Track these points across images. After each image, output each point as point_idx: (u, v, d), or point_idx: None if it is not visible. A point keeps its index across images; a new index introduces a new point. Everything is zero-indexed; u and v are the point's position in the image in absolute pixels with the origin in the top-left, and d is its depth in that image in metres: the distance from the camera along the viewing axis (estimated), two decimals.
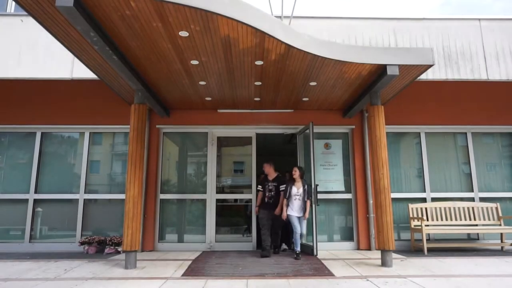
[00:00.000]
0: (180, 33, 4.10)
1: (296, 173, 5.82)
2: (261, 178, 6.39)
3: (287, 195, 5.76)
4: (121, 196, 6.76)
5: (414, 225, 6.47)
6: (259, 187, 6.28)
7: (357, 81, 5.49)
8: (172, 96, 6.28)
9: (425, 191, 7.02)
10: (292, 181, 5.83)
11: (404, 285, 3.88)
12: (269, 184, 6.13)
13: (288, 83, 5.68)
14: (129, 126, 5.33)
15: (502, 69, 6.41)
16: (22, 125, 7.01)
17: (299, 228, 5.66)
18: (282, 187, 6.00)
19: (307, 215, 5.70)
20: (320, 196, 6.53)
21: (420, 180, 7.10)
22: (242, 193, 7.04)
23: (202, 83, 5.66)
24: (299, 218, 5.72)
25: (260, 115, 7.11)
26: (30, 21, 6.23)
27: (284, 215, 5.71)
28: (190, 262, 5.31)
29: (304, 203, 5.72)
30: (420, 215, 6.59)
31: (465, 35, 6.54)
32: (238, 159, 7.33)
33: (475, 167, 7.16)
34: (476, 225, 6.71)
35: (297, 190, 5.75)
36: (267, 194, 6.06)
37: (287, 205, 5.76)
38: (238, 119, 7.07)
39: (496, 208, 6.70)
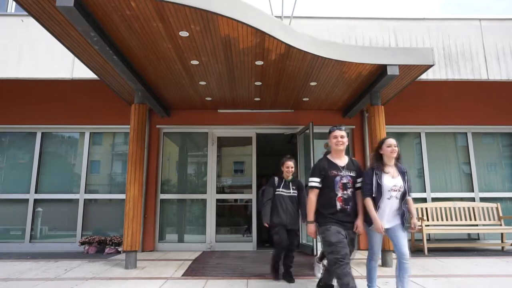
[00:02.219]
0: (180, 33, 4.10)
1: (391, 150, 3.24)
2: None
3: (374, 191, 3.16)
4: (121, 196, 6.76)
5: None
6: (314, 180, 3.24)
7: (357, 81, 5.48)
8: (172, 96, 6.28)
9: (425, 191, 7.01)
10: (378, 166, 3.27)
11: None
12: (342, 172, 3.23)
13: (288, 83, 5.68)
14: (129, 126, 5.32)
15: (502, 69, 6.40)
16: (22, 125, 7.01)
17: (379, 251, 3.32)
18: (361, 181, 3.27)
19: (415, 221, 3.22)
20: None
21: (421, 180, 7.09)
22: (242, 193, 7.04)
23: (202, 83, 5.66)
24: (391, 229, 3.20)
25: (260, 115, 7.10)
26: (30, 21, 6.23)
27: (379, 228, 3.10)
28: (190, 262, 5.31)
29: (404, 202, 3.22)
30: (420, 215, 6.58)
31: (465, 35, 6.53)
32: (238, 159, 7.34)
33: (475, 167, 7.16)
34: (477, 225, 6.71)
35: (392, 180, 3.19)
36: (339, 194, 3.16)
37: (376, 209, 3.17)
38: (238, 119, 7.07)
39: (497, 208, 6.70)
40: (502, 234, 6.51)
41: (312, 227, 3.18)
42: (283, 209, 4.17)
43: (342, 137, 3.28)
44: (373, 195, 3.15)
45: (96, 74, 5.32)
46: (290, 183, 4.32)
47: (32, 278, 4.28)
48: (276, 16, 6.49)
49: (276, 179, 4.37)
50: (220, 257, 5.74)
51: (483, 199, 7.03)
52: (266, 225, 4.20)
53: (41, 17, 3.82)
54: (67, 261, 5.38)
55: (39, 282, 4.08)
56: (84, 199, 6.82)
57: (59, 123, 7.02)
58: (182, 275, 4.42)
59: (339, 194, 3.15)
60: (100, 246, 6.32)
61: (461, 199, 7.00)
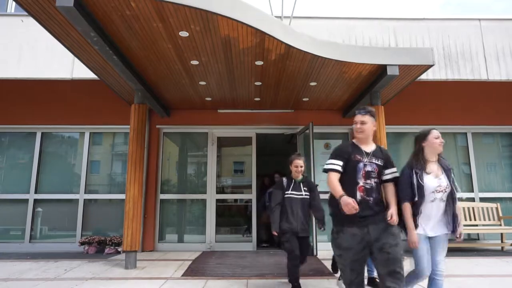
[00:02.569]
0: (180, 33, 4.10)
1: (440, 142, 2.77)
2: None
3: (415, 194, 2.69)
4: (121, 196, 6.75)
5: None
6: (335, 163, 2.72)
7: (357, 81, 5.49)
8: (172, 96, 6.28)
9: None
10: (418, 163, 2.75)
11: None
12: (367, 158, 2.72)
13: (288, 83, 5.68)
14: (129, 126, 5.32)
15: (502, 69, 6.40)
16: (22, 125, 7.01)
17: (428, 267, 2.70)
18: (391, 172, 2.79)
19: (460, 230, 2.74)
20: (320, 196, 6.51)
21: None
22: (242, 193, 7.04)
23: (202, 83, 5.66)
24: (435, 240, 2.75)
25: (260, 115, 7.10)
26: (30, 21, 6.23)
27: (413, 241, 2.65)
28: (190, 262, 5.31)
29: (452, 205, 2.72)
30: None
31: (465, 35, 6.53)
32: (238, 159, 7.34)
33: (475, 167, 7.16)
34: (476, 225, 6.71)
35: (435, 179, 2.71)
36: (360, 183, 2.66)
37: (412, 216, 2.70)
38: (238, 119, 7.07)
39: (496, 208, 6.69)
40: (502, 234, 6.51)
41: (347, 199, 2.46)
42: (293, 214, 3.71)
43: (362, 123, 2.73)
44: (414, 199, 2.67)
45: (96, 74, 5.32)
46: (301, 184, 3.85)
47: (32, 278, 4.28)
48: (276, 16, 6.49)
49: (285, 180, 3.91)
50: (220, 257, 5.74)
51: (483, 199, 7.02)
52: (275, 234, 3.72)
53: (41, 17, 3.82)
54: (67, 261, 5.38)
55: (39, 282, 4.08)
56: (84, 199, 6.81)
57: (59, 123, 7.01)
58: (182, 275, 4.42)
59: (361, 183, 2.64)
60: (100, 246, 6.32)
61: (461, 199, 7.01)
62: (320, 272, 4.56)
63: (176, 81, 5.56)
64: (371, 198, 2.63)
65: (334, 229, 2.72)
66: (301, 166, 3.86)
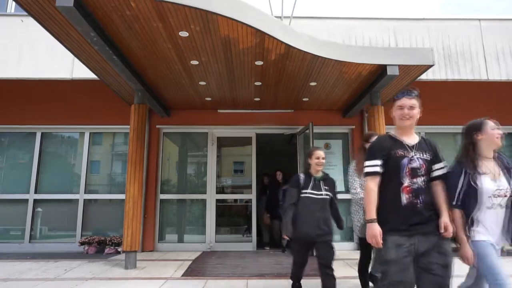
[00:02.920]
0: (180, 33, 4.10)
1: (498, 134, 2.36)
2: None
3: (466, 200, 2.27)
4: (121, 196, 6.75)
5: None
6: (373, 164, 2.28)
7: (357, 81, 5.48)
8: (172, 96, 6.28)
9: None
10: (469, 158, 2.34)
11: None
12: (412, 152, 2.29)
13: (288, 83, 5.68)
14: (129, 126, 5.32)
15: (502, 69, 6.40)
16: (22, 125, 7.00)
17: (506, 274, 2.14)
18: (440, 168, 2.34)
19: None
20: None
21: None
22: (242, 193, 7.04)
23: (202, 83, 5.66)
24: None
25: (260, 115, 7.10)
26: (30, 21, 6.21)
27: (467, 255, 2.23)
28: (190, 262, 5.31)
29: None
30: None
31: (465, 35, 6.53)
32: (238, 159, 7.34)
33: None
34: None
35: (493, 181, 2.24)
36: (405, 183, 2.20)
37: (469, 225, 2.26)
38: (238, 119, 7.07)
39: None
40: None
41: (374, 228, 2.10)
42: (312, 217, 3.15)
43: (411, 107, 2.31)
44: (467, 206, 2.19)
45: (96, 74, 5.32)
46: (321, 182, 3.28)
47: (32, 278, 4.28)
48: (276, 16, 6.49)
49: (302, 177, 3.31)
50: (220, 257, 5.73)
51: None
52: (286, 238, 3.26)
53: (41, 17, 3.82)
54: (66, 261, 5.38)
55: (39, 282, 4.08)
56: (84, 199, 6.81)
57: (59, 123, 7.01)
58: (182, 275, 4.42)
59: (406, 182, 2.15)
60: (100, 246, 6.32)
61: None
62: None
63: (176, 81, 5.56)
64: (419, 201, 2.14)
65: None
66: (323, 158, 3.31)
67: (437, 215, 2.17)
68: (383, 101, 6.30)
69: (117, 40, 4.24)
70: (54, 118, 7.02)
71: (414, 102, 2.32)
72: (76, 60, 6.08)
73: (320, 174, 3.34)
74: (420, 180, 2.19)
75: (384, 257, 2.10)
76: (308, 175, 3.33)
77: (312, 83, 5.64)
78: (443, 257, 2.07)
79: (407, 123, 2.30)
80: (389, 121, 6.90)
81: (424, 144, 2.34)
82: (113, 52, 4.25)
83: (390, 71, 4.77)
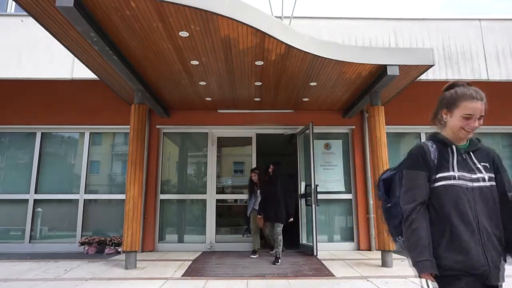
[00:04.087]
0: (180, 33, 4.09)
1: None
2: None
3: None
4: (121, 197, 6.75)
5: None
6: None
7: (357, 81, 5.48)
8: (172, 96, 6.27)
9: None
10: None
11: (405, 285, 3.88)
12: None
13: (288, 83, 5.68)
14: (129, 126, 5.32)
15: (502, 69, 6.40)
16: (22, 125, 7.00)
17: None
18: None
19: None
20: (320, 196, 6.52)
21: None
22: (242, 193, 7.04)
23: (202, 83, 5.66)
24: None
25: (260, 115, 7.10)
26: (30, 21, 6.23)
27: None
28: (190, 262, 5.31)
29: None
30: None
31: (466, 35, 6.53)
32: (238, 159, 7.34)
33: None
34: None
35: None
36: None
37: None
38: (238, 119, 7.07)
39: None
40: None
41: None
42: (471, 228, 1.51)
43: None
44: None
45: (96, 74, 5.32)
46: (472, 155, 1.69)
47: (32, 279, 4.28)
48: (276, 16, 6.49)
49: (431, 146, 1.68)
50: (220, 258, 5.73)
51: None
52: (429, 277, 1.50)
53: (41, 17, 3.82)
54: (67, 262, 5.38)
55: (39, 283, 4.08)
56: (84, 200, 6.81)
57: (59, 123, 7.01)
58: (182, 276, 4.42)
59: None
60: (100, 247, 6.32)
61: None
62: (320, 272, 4.55)
63: (176, 81, 5.56)
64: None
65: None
66: (483, 112, 1.71)
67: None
68: (383, 101, 6.30)
69: (117, 40, 4.24)
70: (54, 118, 7.02)
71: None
72: (76, 60, 6.08)
73: (465, 143, 1.75)
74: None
75: None
76: (443, 143, 1.71)
77: (312, 83, 5.64)
78: None
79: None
80: (389, 121, 6.92)
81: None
82: (113, 52, 4.25)
83: (390, 71, 4.77)
